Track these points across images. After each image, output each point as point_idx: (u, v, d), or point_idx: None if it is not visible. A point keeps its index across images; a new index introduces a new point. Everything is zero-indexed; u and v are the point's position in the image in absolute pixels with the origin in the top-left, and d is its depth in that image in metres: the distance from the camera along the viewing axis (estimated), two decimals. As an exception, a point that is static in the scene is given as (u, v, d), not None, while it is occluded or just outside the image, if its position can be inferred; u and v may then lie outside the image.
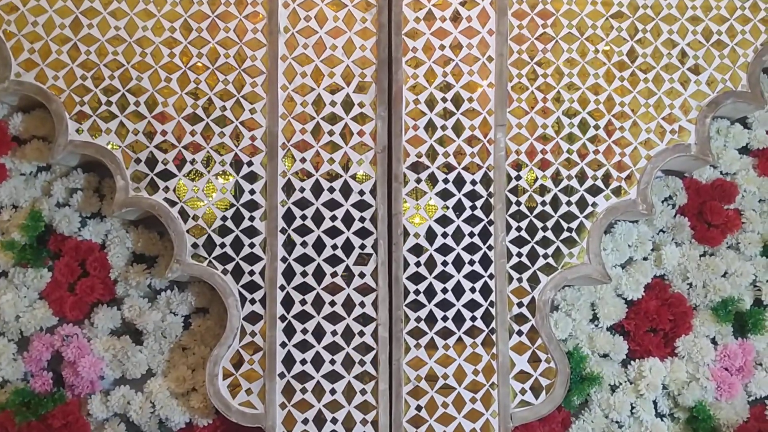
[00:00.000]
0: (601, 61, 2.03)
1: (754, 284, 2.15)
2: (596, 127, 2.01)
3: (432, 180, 1.97)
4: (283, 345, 1.92)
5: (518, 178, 1.99)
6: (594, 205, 2.00)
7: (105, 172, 2.02)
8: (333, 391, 1.92)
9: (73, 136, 1.93)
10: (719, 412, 2.10)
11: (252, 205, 1.95)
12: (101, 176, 2.07)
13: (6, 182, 2.05)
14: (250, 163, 1.95)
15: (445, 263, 1.96)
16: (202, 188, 1.94)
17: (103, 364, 2.01)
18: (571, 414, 2.07)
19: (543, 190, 1.99)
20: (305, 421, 1.91)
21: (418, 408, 1.93)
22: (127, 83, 1.94)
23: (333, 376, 1.92)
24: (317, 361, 1.92)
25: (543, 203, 1.99)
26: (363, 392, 1.92)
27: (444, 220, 1.97)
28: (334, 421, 1.91)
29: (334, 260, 1.94)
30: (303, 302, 1.93)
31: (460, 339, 1.95)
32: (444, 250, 1.96)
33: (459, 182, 1.98)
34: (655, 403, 2.09)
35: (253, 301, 1.93)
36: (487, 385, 1.94)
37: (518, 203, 1.99)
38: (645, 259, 2.13)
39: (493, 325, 1.95)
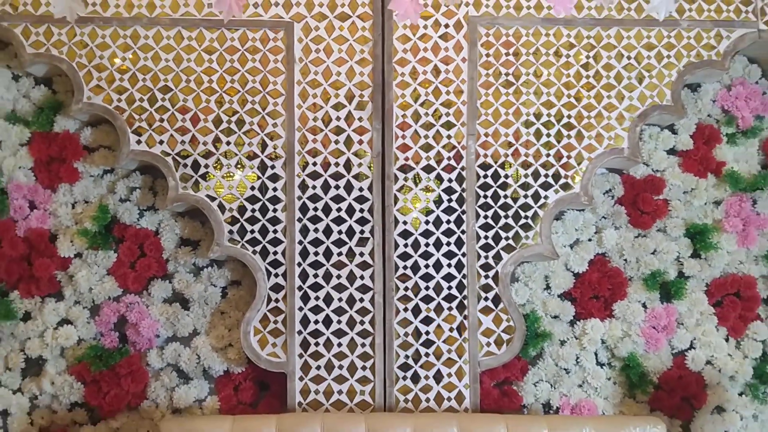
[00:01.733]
0: (552, 82, 2.56)
1: (677, 260, 2.69)
2: (548, 135, 2.55)
3: (417, 179, 2.52)
4: (300, 309, 2.48)
5: (485, 176, 2.53)
6: (546, 197, 2.54)
7: (158, 174, 2.57)
8: (339, 345, 2.48)
9: (133, 146, 2.48)
10: (647, 361, 2.65)
11: (275, 200, 2.50)
12: (154, 177, 2.62)
13: (79, 182, 2.60)
14: (272, 167, 2.50)
15: (427, 245, 2.51)
16: (236, 186, 2.49)
17: (159, 325, 2.57)
18: (528, 363, 2.63)
19: (505, 185, 2.54)
20: (318, 368, 2.48)
21: (406, 357, 2.49)
22: (175, 104, 2.49)
23: (339, 333, 2.48)
24: (327, 321, 2.48)
25: (505, 196, 2.53)
26: (363, 345, 2.48)
27: (426, 211, 2.52)
28: (341, 367, 2.48)
29: (339, 243, 2.50)
30: (315, 275, 2.49)
31: (439, 304, 2.50)
32: (426, 234, 2.51)
33: (438, 180, 2.52)
34: (595, 354, 2.65)
35: (276, 275, 2.48)
36: (460, 339, 2.50)
37: (485, 196, 2.53)
38: (589, 240, 2.67)
39: (465, 292, 2.51)
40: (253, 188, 2.50)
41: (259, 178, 2.50)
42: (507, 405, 2.57)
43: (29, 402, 2.58)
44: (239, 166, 2.50)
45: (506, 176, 2.54)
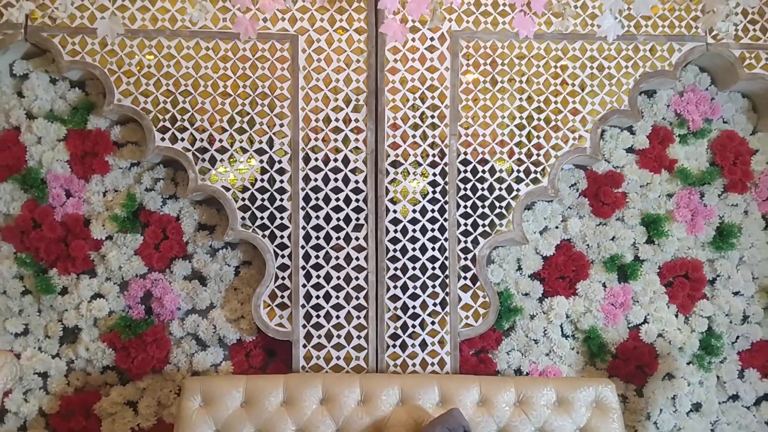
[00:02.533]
0: (524, 89, 2.94)
1: (633, 245, 3.08)
2: (520, 135, 2.93)
3: (406, 173, 2.90)
4: (304, 285, 2.87)
5: (465, 171, 2.91)
6: (518, 190, 2.92)
7: (179, 167, 2.95)
8: (337, 317, 2.87)
9: (158, 143, 2.85)
10: (606, 334, 3.05)
11: (281, 191, 2.88)
12: (176, 170, 2.99)
13: (109, 173, 2.97)
14: (279, 161, 2.88)
15: (414, 230, 2.89)
16: (247, 179, 2.87)
17: (180, 299, 2.96)
18: (501, 334, 3.03)
19: (482, 179, 2.92)
20: (319, 336, 2.87)
21: (395, 328, 2.89)
22: (195, 106, 2.86)
23: (337, 307, 2.87)
24: (327, 297, 2.87)
25: (482, 189, 2.91)
26: (358, 317, 2.88)
27: (414, 201, 2.90)
28: (339, 336, 2.87)
29: (338, 228, 2.88)
30: (317, 257, 2.87)
31: (424, 282, 2.89)
32: (414, 221, 2.90)
33: (424, 175, 2.90)
34: (561, 327, 3.05)
35: (283, 256, 2.87)
36: (442, 313, 2.89)
37: (465, 189, 2.91)
38: (556, 227, 3.06)
39: (446, 272, 2.90)
40: (262, 180, 2.87)
41: (267, 171, 2.88)
42: (483, 370, 2.97)
43: (66, 365, 2.97)
44: (250, 160, 2.88)
45: (483, 171, 2.92)
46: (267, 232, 2.88)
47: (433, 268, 2.90)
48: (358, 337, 2.88)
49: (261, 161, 2.88)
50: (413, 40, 2.90)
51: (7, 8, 2.71)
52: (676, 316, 3.08)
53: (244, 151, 2.88)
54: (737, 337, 3.10)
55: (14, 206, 2.95)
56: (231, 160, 2.88)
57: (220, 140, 2.87)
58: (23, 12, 1.96)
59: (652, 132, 3.10)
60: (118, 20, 2.19)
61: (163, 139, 2.86)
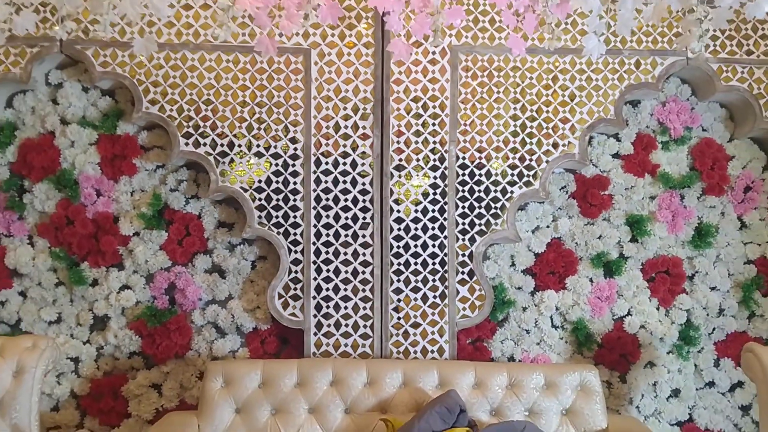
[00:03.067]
0: (519, 99, 3.21)
1: (618, 243, 3.35)
2: (514, 142, 3.20)
3: (408, 176, 3.17)
4: (315, 279, 3.14)
5: (463, 174, 3.18)
6: (512, 192, 3.19)
7: (201, 169, 3.22)
8: (345, 307, 3.15)
9: (182, 147, 3.12)
10: (593, 325, 3.32)
11: (295, 192, 3.15)
12: (198, 172, 3.27)
13: (136, 175, 3.25)
14: (293, 165, 3.15)
15: (416, 229, 3.17)
16: (264, 180, 3.14)
17: (201, 290, 3.24)
18: (496, 324, 3.30)
19: (479, 182, 3.19)
20: (328, 325, 3.14)
21: (399, 318, 3.16)
22: (216, 113, 3.13)
23: (345, 298, 3.15)
24: (336, 289, 3.15)
25: (479, 191, 3.19)
26: (364, 308, 3.15)
27: (416, 202, 3.17)
28: (347, 325, 3.15)
29: (346, 226, 3.15)
30: (327, 252, 3.15)
31: (425, 276, 3.17)
32: (416, 220, 3.17)
33: (426, 177, 3.17)
34: (551, 318, 3.32)
35: (296, 252, 3.14)
36: (441, 304, 3.16)
37: (463, 191, 3.18)
38: (547, 226, 3.33)
39: (446, 267, 3.17)
40: (277, 182, 3.15)
41: (282, 174, 3.15)
42: (479, 357, 3.24)
43: (96, 351, 3.25)
44: (267, 164, 3.15)
45: (480, 175, 3.19)
46: (281, 230, 3.15)
47: (434, 264, 3.18)
48: (364, 326, 3.16)
49: (276, 165, 3.15)
50: (416, 53, 3.17)
51: (49, 26, 2.98)
52: (658, 309, 3.35)
53: (261, 155, 3.15)
54: (713, 329, 3.37)
55: (49, 204, 3.22)
56: (249, 163, 3.15)
57: (239, 145, 3.14)
58: (65, 30, 2.22)
59: (637, 139, 3.37)
60: (153, 38, 2.46)
61: (186, 144, 3.13)
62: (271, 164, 3.16)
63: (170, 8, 2.47)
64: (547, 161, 3.21)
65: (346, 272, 3.16)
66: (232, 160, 3.15)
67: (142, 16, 2.74)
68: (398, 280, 3.18)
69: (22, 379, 2.65)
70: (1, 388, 2.62)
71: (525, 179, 3.21)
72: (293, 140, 3.16)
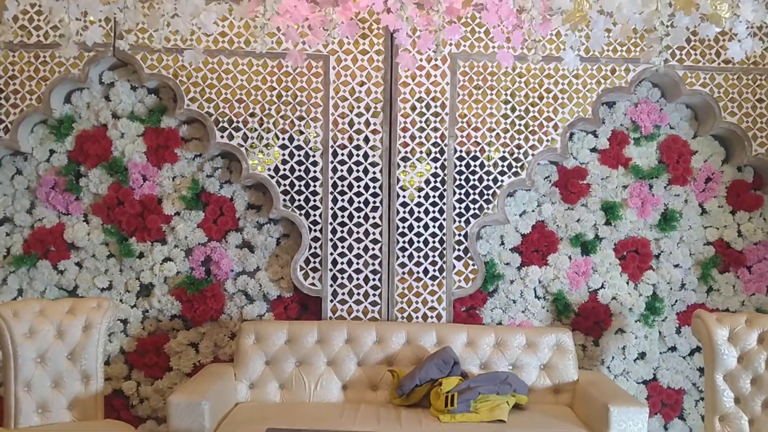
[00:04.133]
0: (509, 100, 3.73)
1: (594, 226, 3.89)
2: (505, 137, 3.72)
3: (413, 166, 3.70)
4: (331, 254, 3.69)
5: (461, 165, 3.72)
6: (502, 181, 3.73)
7: (233, 158, 3.76)
8: (358, 279, 3.70)
9: (218, 140, 3.66)
10: (570, 296, 3.87)
11: (314, 179, 3.69)
12: (230, 161, 3.80)
13: (177, 163, 3.79)
14: (313, 156, 3.69)
15: (419, 212, 3.71)
16: (288, 169, 3.68)
17: (233, 263, 3.79)
18: (487, 295, 3.85)
19: (474, 172, 3.72)
20: (343, 294, 3.69)
21: (403, 288, 3.71)
22: (247, 111, 3.66)
23: (358, 271, 3.70)
24: (349, 263, 3.70)
25: (474, 180, 3.72)
26: (374, 279, 3.70)
27: (419, 188, 3.71)
28: (359, 294, 3.70)
29: (358, 209, 3.69)
30: (342, 231, 3.69)
31: (426, 253, 3.71)
32: (419, 204, 3.71)
33: (427, 168, 3.71)
34: (534, 290, 3.87)
35: (315, 230, 3.69)
36: (440, 277, 3.71)
37: (460, 179, 3.72)
38: (532, 211, 3.87)
39: (444, 245, 3.71)
40: (299, 170, 3.68)
41: (303, 163, 3.68)
42: (471, 323, 3.79)
43: (142, 314, 3.81)
44: (290, 155, 3.68)
45: (475, 166, 3.72)
46: (303, 211, 3.69)
47: (434, 242, 3.72)
48: (374, 294, 3.71)
49: (299, 155, 3.68)
50: (420, 60, 3.68)
51: (104, 35, 3.51)
52: (627, 283, 3.90)
53: (285, 147, 3.69)
54: (676, 301, 3.92)
55: (102, 187, 3.77)
56: (275, 153, 3.69)
57: (267, 138, 3.68)
58: (127, 42, 2.73)
59: (612, 135, 3.90)
60: (200, 50, 2.99)
61: (221, 137, 3.67)
62: (294, 155, 3.69)
63: (214, 25, 3.00)
64: (533, 154, 3.74)
65: (358, 248, 3.71)
66: (261, 151, 3.68)
67: (192, 32, 3.27)
68: (403, 256, 3.72)
69: (89, 333, 3.20)
70: (72, 341, 3.18)
71: (514, 170, 3.74)
72: (313, 134, 3.69)
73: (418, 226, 3.72)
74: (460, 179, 3.73)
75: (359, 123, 3.70)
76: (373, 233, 3.71)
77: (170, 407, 2.89)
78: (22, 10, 3.58)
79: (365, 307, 3.72)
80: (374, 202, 3.71)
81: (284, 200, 3.70)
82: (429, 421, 3.05)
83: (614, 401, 2.97)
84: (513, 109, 3.74)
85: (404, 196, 3.72)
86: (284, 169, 3.70)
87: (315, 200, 3.70)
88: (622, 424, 2.92)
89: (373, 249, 3.72)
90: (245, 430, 2.88)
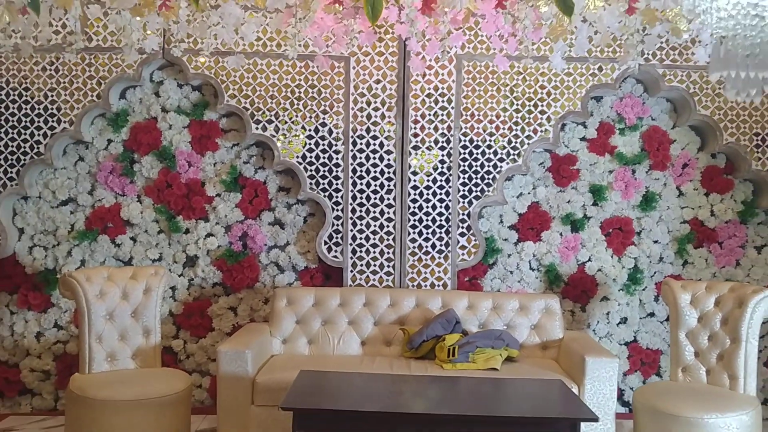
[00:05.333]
0: (507, 95, 4.30)
1: (583, 206, 4.47)
2: (504, 129, 4.29)
3: (423, 154, 4.29)
4: (351, 230, 4.30)
5: (464, 152, 4.30)
6: (501, 167, 4.31)
7: (266, 147, 4.37)
8: (374, 252, 4.31)
9: (254, 131, 4.27)
10: (561, 268, 4.46)
11: (337, 165, 4.29)
12: (264, 149, 4.41)
13: (218, 151, 4.41)
14: (336, 145, 4.29)
15: (428, 194, 4.30)
16: (313, 156, 4.28)
17: (266, 238, 4.42)
18: (487, 266, 4.45)
19: (476, 159, 4.30)
20: (362, 265, 4.31)
21: (413, 261, 4.31)
22: (278, 105, 4.27)
23: (374, 245, 4.31)
24: (367, 238, 4.31)
25: (476, 165, 4.30)
26: (388, 252, 4.31)
27: (428, 173, 4.30)
28: (375, 265, 4.31)
29: (375, 191, 4.29)
30: (360, 211, 4.30)
31: (434, 230, 4.31)
32: (428, 187, 4.30)
33: (435, 155, 4.29)
34: (529, 263, 4.46)
35: (337, 210, 4.30)
36: (446, 251, 4.32)
37: (464, 165, 4.30)
38: (528, 193, 4.45)
39: (450, 223, 4.31)
40: (323, 157, 4.29)
41: (327, 151, 4.29)
42: (473, 291, 4.40)
43: (188, 282, 4.45)
44: (316, 144, 4.29)
45: (477, 153, 4.30)
46: (326, 194, 4.30)
47: (440, 220, 4.32)
48: (388, 266, 4.32)
49: (323, 144, 4.29)
50: (429, 61, 4.26)
51: (164, 43, 4.12)
52: (612, 256, 4.48)
53: (311, 137, 4.29)
54: (654, 273, 4.49)
55: (153, 172, 4.40)
56: (302, 143, 4.29)
57: (296, 129, 4.28)
58: (180, 49, 3.34)
59: (599, 126, 4.46)
60: (242, 57, 3.59)
61: (256, 128, 4.28)
62: (319, 144, 4.29)
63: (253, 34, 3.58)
64: (528, 143, 4.31)
65: (375, 226, 4.31)
66: (290, 141, 4.29)
67: (236, 43, 3.86)
68: (414, 232, 4.32)
69: (149, 295, 3.85)
70: (135, 301, 3.82)
71: (511, 157, 4.32)
72: (336, 126, 4.29)
73: (427, 207, 4.31)
74: (464, 165, 4.31)
75: (376, 116, 4.29)
76: (388, 213, 4.31)
77: (220, 355, 3.53)
78: (83, 18, 4.19)
79: (380, 276, 4.33)
80: (389, 186, 4.31)
81: (310, 184, 4.31)
82: (434, 368, 3.68)
83: (590, 353, 3.57)
84: (511, 104, 4.30)
85: (415, 180, 4.31)
86: (310, 157, 4.30)
87: (337, 184, 4.31)
88: (595, 371, 3.52)
89: (388, 226, 4.32)
90: (282, 373, 3.52)
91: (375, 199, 4.31)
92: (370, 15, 2.72)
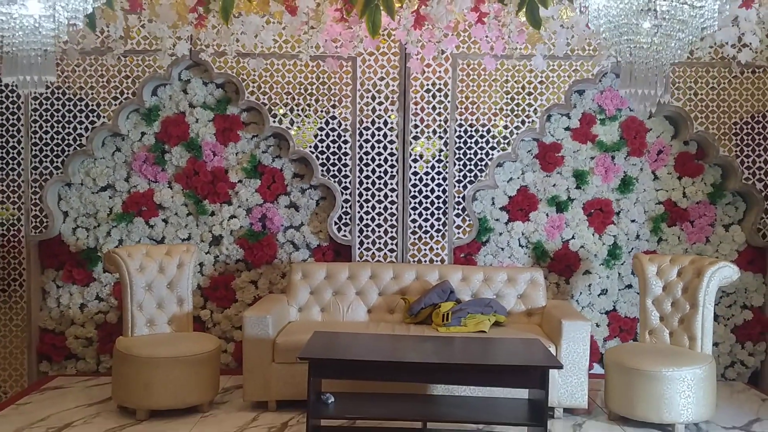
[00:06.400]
0: (498, 90, 4.84)
1: (567, 189, 5.02)
2: (495, 120, 4.84)
3: (422, 143, 4.85)
4: (358, 212, 4.88)
5: (460, 141, 4.85)
6: (492, 154, 4.86)
7: (282, 138, 4.95)
8: (379, 230, 4.88)
9: (271, 124, 4.85)
10: (547, 245, 5.02)
11: (345, 154, 4.86)
12: (280, 140, 4.99)
13: (240, 142, 5.00)
14: (344, 135, 4.85)
15: (427, 178, 4.86)
16: (324, 146, 4.85)
17: (282, 219, 5.00)
18: (480, 244, 5.02)
19: (470, 147, 4.86)
20: (368, 243, 4.89)
21: (414, 239, 4.88)
22: (293, 101, 4.83)
23: (379, 225, 4.89)
24: (372, 219, 4.88)
25: (471, 153, 4.85)
26: (392, 231, 4.88)
27: (427, 160, 4.86)
28: (379, 243, 4.89)
29: (379, 177, 4.86)
30: (367, 194, 4.86)
31: (432, 211, 4.88)
32: (427, 173, 4.87)
33: (434, 144, 4.85)
34: (518, 240, 5.03)
35: (346, 194, 4.87)
36: (444, 230, 4.88)
37: (460, 153, 4.86)
38: (517, 178, 5.01)
39: (447, 205, 4.88)
40: (333, 147, 4.85)
41: (336, 141, 4.85)
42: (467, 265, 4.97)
43: (213, 258, 5.06)
44: (326, 135, 4.85)
45: (471, 142, 4.85)
46: (336, 179, 4.87)
47: (438, 203, 4.88)
48: (392, 243, 4.90)
49: (333, 135, 4.85)
50: (427, 60, 4.80)
51: (197, 49, 4.69)
52: (593, 234, 5.03)
53: (323, 129, 4.85)
54: (632, 249, 5.04)
55: (182, 161, 4.99)
56: (314, 134, 4.86)
57: (309, 122, 4.85)
58: (208, 54, 3.90)
59: (582, 117, 4.99)
60: (261, 60, 4.16)
61: (273, 121, 4.85)
62: (329, 135, 4.86)
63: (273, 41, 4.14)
64: (517, 133, 4.86)
65: (380, 208, 4.88)
66: (304, 132, 4.86)
67: (255, 46, 4.42)
68: (414, 213, 4.89)
69: (183, 269, 4.45)
70: (170, 274, 4.43)
71: (502, 145, 4.87)
72: (344, 118, 4.85)
73: (426, 190, 4.88)
74: (460, 153, 4.86)
75: (380, 109, 4.84)
76: (391, 196, 4.88)
77: (245, 320, 4.13)
78: (125, 29, 4.75)
79: (385, 253, 4.90)
80: (392, 172, 4.87)
81: (322, 170, 4.88)
82: (430, 331, 4.26)
83: (566, 317, 4.14)
84: (501, 98, 4.85)
85: (415, 167, 4.87)
86: (322, 146, 4.87)
87: (346, 170, 4.87)
88: (571, 333, 4.08)
89: (391, 208, 4.89)
90: (298, 335, 4.11)
91: (380, 183, 4.87)
92: (371, 29, 3.27)
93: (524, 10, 3.37)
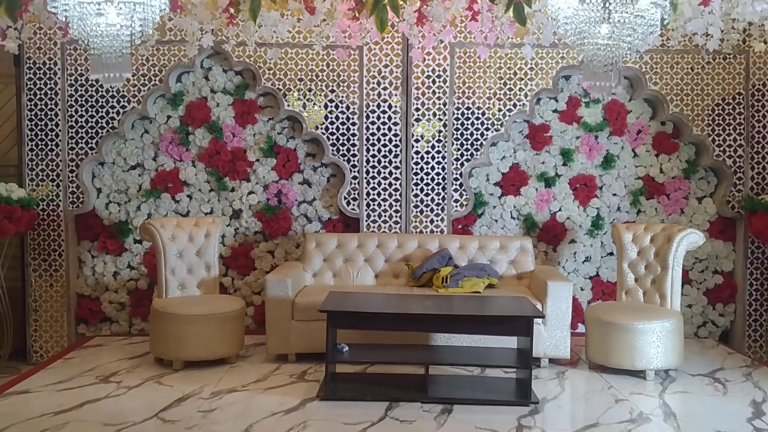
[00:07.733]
0: (492, 76, 5.40)
1: (554, 166, 5.60)
2: (490, 103, 5.41)
3: (424, 125, 5.42)
4: (365, 188, 5.46)
5: (457, 123, 5.42)
6: (487, 135, 5.43)
7: (296, 121, 5.52)
8: (384, 204, 5.47)
9: (285, 107, 5.42)
10: (537, 217, 5.61)
11: (353, 135, 5.44)
12: (294, 122, 5.56)
13: (257, 124, 5.57)
14: (352, 118, 5.42)
15: (428, 157, 5.44)
16: (334, 128, 5.43)
17: (296, 195, 5.59)
18: (476, 216, 5.61)
19: (467, 129, 5.43)
20: (374, 215, 5.48)
21: (416, 211, 5.47)
22: (306, 87, 5.40)
23: (384, 199, 5.48)
24: (378, 194, 5.47)
25: (468, 134, 5.43)
26: (396, 205, 5.47)
27: (428, 141, 5.43)
28: (385, 216, 5.47)
29: (384, 156, 5.44)
30: (373, 172, 5.45)
31: (432, 187, 5.46)
32: (427, 153, 5.44)
33: (434, 126, 5.42)
34: (510, 213, 5.62)
35: (354, 171, 5.45)
36: (443, 203, 5.48)
37: (457, 134, 5.43)
38: (510, 156, 5.59)
39: (446, 181, 5.46)
40: (342, 128, 5.43)
41: (345, 123, 5.42)
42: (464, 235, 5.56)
43: (234, 230, 5.66)
44: (336, 117, 5.42)
45: (468, 124, 5.42)
46: (345, 158, 5.45)
47: (438, 179, 5.46)
48: (396, 216, 5.49)
49: (342, 118, 5.42)
50: (428, 49, 5.35)
51: (218, 40, 5.25)
52: (578, 207, 5.62)
53: (333, 111, 5.42)
54: (613, 220, 5.64)
55: (205, 142, 5.57)
56: (325, 117, 5.43)
57: (320, 105, 5.41)
58: (231, 44, 4.48)
59: (568, 100, 5.57)
60: (278, 51, 4.72)
61: (288, 105, 5.42)
62: (339, 117, 5.43)
63: (288, 32, 4.70)
64: (509, 115, 5.43)
65: (385, 184, 5.47)
66: (316, 115, 5.43)
67: (272, 37, 4.97)
68: (416, 189, 5.47)
69: (210, 238, 5.05)
70: (199, 243, 5.02)
71: (495, 126, 5.44)
72: (352, 102, 5.42)
73: (427, 168, 5.46)
74: (458, 134, 5.44)
75: (385, 94, 5.41)
76: (395, 173, 5.46)
77: (267, 282, 4.72)
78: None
79: (390, 224, 5.49)
80: (396, 151, 5.45)
81: (332, 150, 5.45)
82: (431, 292, 4.87)
83: (551, 279, 4.74)
84: (495, 83, 5.42)
85: (417, 146, 5.45)
86: (332, 128, 5.45)
87: (354, 150, 5.45)
88: (555, 293, 4.68)
89: (395, 184, 5.47)
90: (314, 296, 4.71)
91: (385, 162, 5.45)
92: (379, 26, 3.83)
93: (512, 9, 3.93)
